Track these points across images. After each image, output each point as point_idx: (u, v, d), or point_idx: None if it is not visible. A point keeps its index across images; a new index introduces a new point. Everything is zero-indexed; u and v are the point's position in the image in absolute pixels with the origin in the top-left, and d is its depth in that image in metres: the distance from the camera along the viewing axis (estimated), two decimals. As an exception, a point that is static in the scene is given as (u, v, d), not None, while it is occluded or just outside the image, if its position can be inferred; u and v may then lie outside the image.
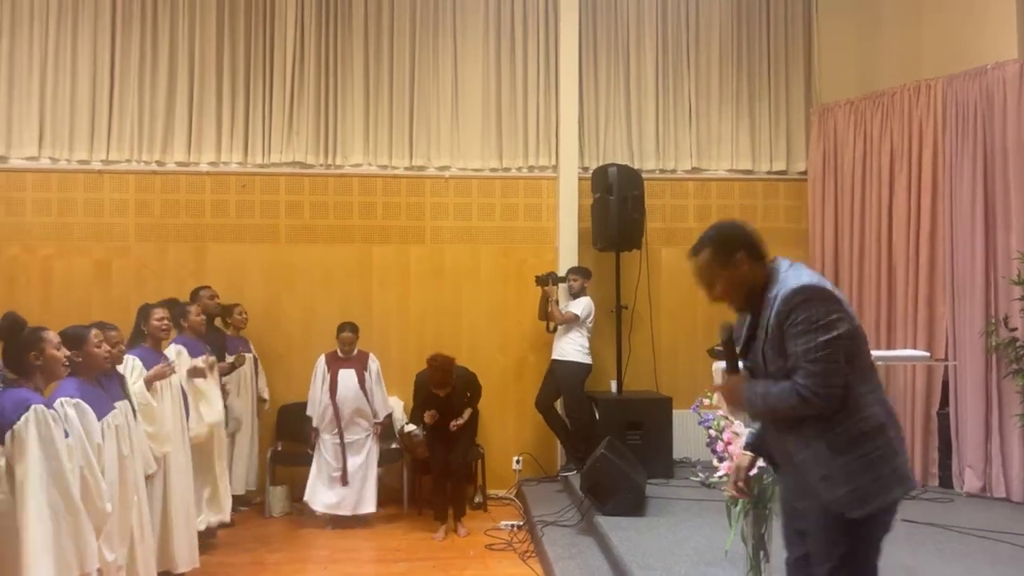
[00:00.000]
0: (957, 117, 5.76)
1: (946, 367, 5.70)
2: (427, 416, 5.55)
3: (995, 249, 5.57)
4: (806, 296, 2.21)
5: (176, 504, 4.31)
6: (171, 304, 4.90)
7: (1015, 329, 5.33)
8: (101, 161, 6.43)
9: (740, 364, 2.43)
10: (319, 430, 5.78)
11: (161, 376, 4.25)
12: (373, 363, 5.96)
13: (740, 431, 3.42)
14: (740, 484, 2.62)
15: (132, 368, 4.18)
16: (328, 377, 5.84)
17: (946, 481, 5.75)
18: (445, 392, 5.56)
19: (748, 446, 2.67)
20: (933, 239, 5.90)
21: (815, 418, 2.24)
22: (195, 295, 5.67)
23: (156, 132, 6.47)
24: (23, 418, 2.67)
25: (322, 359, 5.94)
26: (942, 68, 5.90)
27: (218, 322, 5.93)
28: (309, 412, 5.85)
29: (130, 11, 6.46)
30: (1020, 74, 5.42)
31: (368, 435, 5.80)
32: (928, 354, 4.52)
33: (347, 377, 5.82)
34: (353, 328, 5.91)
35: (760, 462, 2.65)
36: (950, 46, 5.92)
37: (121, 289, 6.28)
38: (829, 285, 2.27)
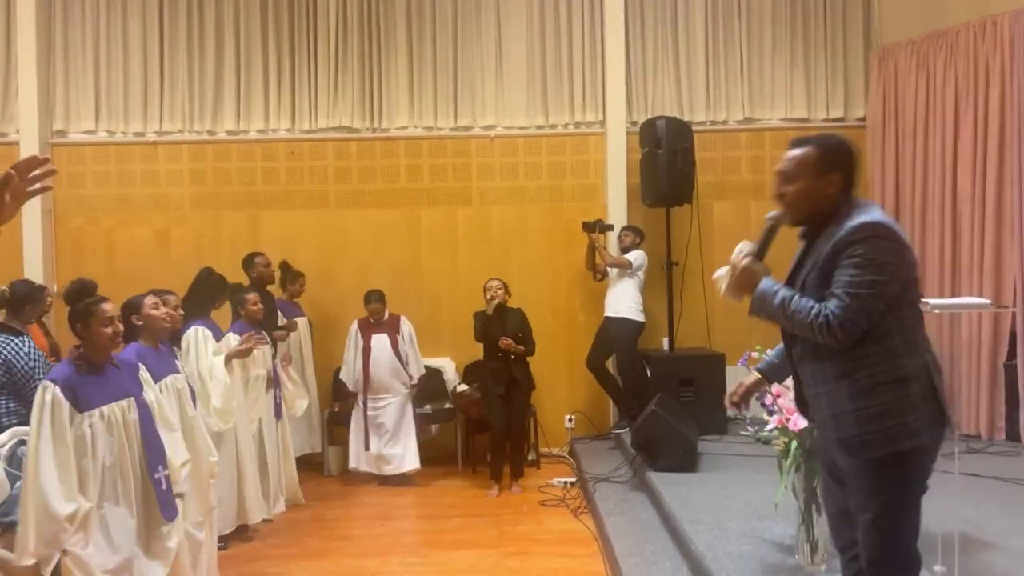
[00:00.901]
0: (1026, 54, 5.44)
1: (1013, 316, 5.48)
2: (502, 343, 5.58)
3: (1068, 192, 5.29)
4: (873, 233, 2.14)
5: (246, 462, 4.56)
6: (233, 289, 4.97)
7: (1089, 276, 5.08)
8: (155, 132, 6.59)
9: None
10: (356, 393, 5.89)
11: (242, 355, 4.45)
12: (405, 325, 6.02)
13: (789, 384, 3.36)
14: (735, 399, 2.59)
15: (205, 340, 4.36)
16: (362, 343, 5.93)
17: (1012, 434, 5.55)
18: (499, 302, 5.64)
19: (759, 370, 2.63)
20: (1000, 184, 5.62)
21: (840, 358, 2.18)
22: (250, 261, 5.80)
23: (206, 102, 6.59)
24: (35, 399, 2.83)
25: (355, 325, 6.02)
26: (1010, 2, 5.56)
27: (274, 288, 6.04)
28: (343, 376, 5.95)
29: (176, -14, 6.57)
30: (1096, 4, 5.09)
31: (405, 396, 5.88)
32: (989, 301, 4.33)
33: (380, 342, 5.90)
34: (379, 298, 5.96)
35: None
36: (1020, -23, 5.57)
37: (180, 257, 6.47)
38: (898, 230, 2.19)
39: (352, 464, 5.87)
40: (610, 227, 6.22)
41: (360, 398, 5.87)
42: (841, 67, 6.71)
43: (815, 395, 2.29)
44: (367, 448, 5.82)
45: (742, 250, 2.33)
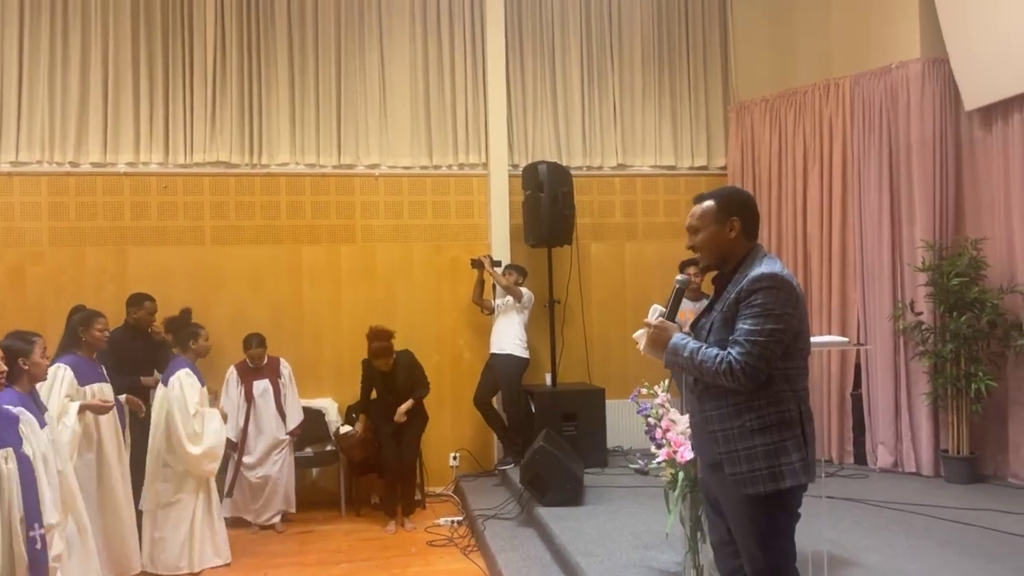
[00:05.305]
0: (864, 114, 6.10)
1: (858, 351, 6.04)
2: (398, 418, 5.59)
3: (901, 239, 5.93)
4: (772, 284, 2.34)
5: (119, 514, 4.25)
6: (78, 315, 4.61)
7: (920, 313, 5.69)
8: (10, 163, 6.13)
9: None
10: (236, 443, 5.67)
11: (100, 411, 4.09)
12: (285, 368, 5.89)
13: (677, 419, 3.57)
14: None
15: (62, 379, 4.03)
16: (243, 388, 5.74)
17: (860, 458, 6.09)
18: (387, 365, 5.61)
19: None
20: (844, 230, 6.23)
21: (735, 397, 2.38)
22: (139, 302, 5.59)
23: (69, 132, 6.21)
24: None
25: (232, 370, 5.82)
26: (850, 67, 6.23)
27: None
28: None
29: (38, 3, 6.17)
30: (922, 73, 5.78)
31: (283, 444, 5.73)
32: (847, 339, 4.81)
33: (262, 388, 5.74)
34: (261, 342, 5.80)
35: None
36: (857, 46, 6.25)
37: (37, 296, 6.03)
38: (795, 282, 2.41)
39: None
40: (499, 262, 6.37)
41: (239, 447, 5.65)
42: (704, 120, 7.23)
43: (711, 432, 2.45)
44: (229, 495, 5.60)
45: (655, 311, 2.52)
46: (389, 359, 5.62)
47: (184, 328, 5.07)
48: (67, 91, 6.21)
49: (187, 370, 4.80)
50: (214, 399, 5.36)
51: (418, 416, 5.79)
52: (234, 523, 5.68)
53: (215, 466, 4.79)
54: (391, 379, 5.70)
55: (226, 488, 5.59)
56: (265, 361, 5.83)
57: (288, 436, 5.74)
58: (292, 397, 5.85)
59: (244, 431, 5.65)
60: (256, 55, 6.48)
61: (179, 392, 4.67)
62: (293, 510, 5.75)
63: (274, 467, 5.65)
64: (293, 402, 5.84)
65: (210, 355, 6.18)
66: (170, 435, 4.67)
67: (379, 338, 5.58)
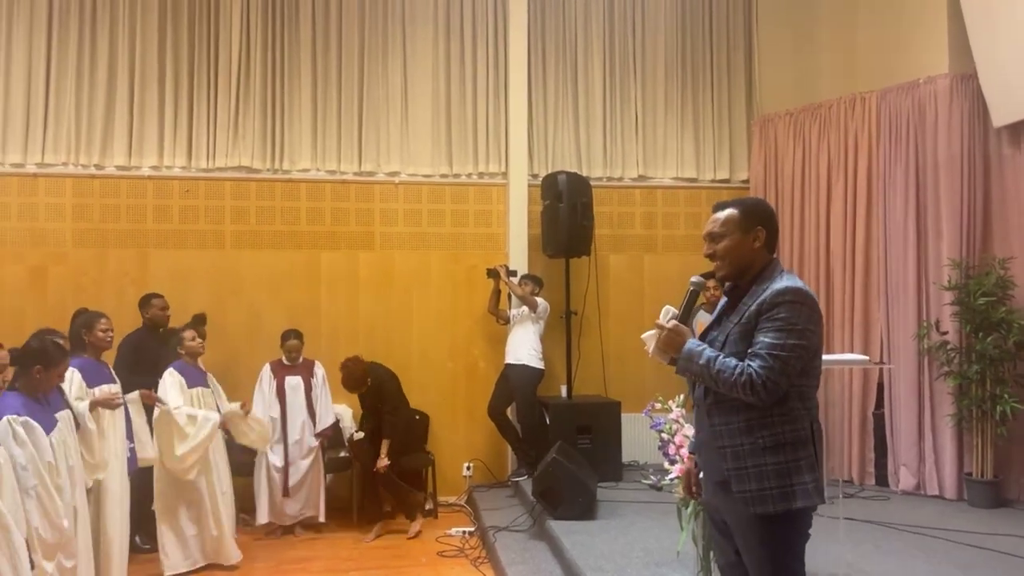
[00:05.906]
0: (890, 129, 6.00)
1: (881, 370, 5.92)
2: (381, 468, 5.56)
3: (926, 256, 5.81)
4: (796, 299, 2.28)
5: (111, 526, 4.17)
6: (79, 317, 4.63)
7: (946, 333, 5.57)
8: (36, 164, 6.21)
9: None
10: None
11: (109, 405, 4.06)
12: (319, 370, 5.94)
13: (691, 434, 3.51)
14: (693, 488, 2.67)
15: (70, 380, 4.04)
16: (275, 384, 5.79)
17: (882, 479, 5.96)
18: (356, 393, 5.64)
19: (692, 450, 2.73)
20: (868, 246, 6.13)
21: (747, 413, 2.30)
22: (147, 302, 5.64)
23: (94, 135, 6.29)
24: None
25: (267, 367, 5.88)
26: (876, 82, 6.14)
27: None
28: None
29: (67, 7, 6.27)
30: (950, 88, 5.68)
31: (315, 450, 5.77)
32: (867, 358, 4.71)
33: (294, 384, 5.79)
34: (298, 335, 5.89)
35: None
36: (884, 60, 6.16)
37: (58, 297, 6.09)
38: (816, 299, 2.34)
39: (262, 520, 5.62)
40: (514, 272, 6.34)
41: (277, 443, 5.67)
42: (727, 133, 7.17)
43: (719, 448, 2.38)
44: (286, 494, 5.64)
45: (667, 312, 2.43)
46: (359, 388, 5.62)
47: (169, 340, 5.14)
48: (93, 95, 6.29)
49: (171, 369, 4.81)
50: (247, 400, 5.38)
51: (397, 429, 5.67)
52: (248, 529, 5.70)
53: (196, 471, 4.72)
54: (368, 398, 5.72)
55: (280, 489, 5.63)
56: (301, 360, 5.89)
57: (316, 441, 5.77)
58: (325, 399, 5.88)
59: (283, 426, 5.69)
60: (280, 62, 6.53)
61: (161, 392, 4.67)
62: (322, 519, 5.76)
63: (302, 467, 5.68)
64: (325, 404, 5.87)
65: (226, 359, 6.27)
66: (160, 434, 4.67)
67: (344, 369, 5.57)
